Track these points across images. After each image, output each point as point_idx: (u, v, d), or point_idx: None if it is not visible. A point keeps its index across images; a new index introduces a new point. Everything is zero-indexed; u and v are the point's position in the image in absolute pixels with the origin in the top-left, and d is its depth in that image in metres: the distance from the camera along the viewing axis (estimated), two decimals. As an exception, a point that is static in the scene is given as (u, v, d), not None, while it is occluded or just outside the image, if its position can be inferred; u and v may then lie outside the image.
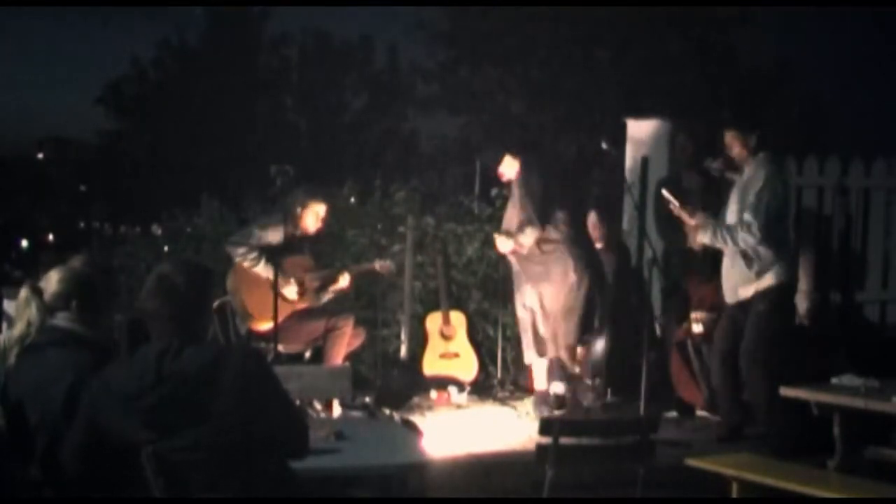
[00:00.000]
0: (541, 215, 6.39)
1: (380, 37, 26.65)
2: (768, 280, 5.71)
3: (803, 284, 7.74)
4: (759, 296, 5.72)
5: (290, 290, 6.32)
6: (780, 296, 5.77)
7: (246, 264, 6.24)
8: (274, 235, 6.28)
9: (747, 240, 5.67)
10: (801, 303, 7.72)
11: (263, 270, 6.19)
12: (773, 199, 5.66)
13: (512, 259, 6.64)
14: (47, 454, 2.98)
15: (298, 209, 6.32)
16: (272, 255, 6.15)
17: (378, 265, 6.70)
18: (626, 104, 13.49)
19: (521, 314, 6.62)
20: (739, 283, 5.80)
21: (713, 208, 6.08)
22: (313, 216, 6.39)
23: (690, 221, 5.98)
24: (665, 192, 6.15)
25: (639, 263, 7.47)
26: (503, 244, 6.55)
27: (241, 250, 6.25)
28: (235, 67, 24.75)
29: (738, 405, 5.98)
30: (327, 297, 6.58)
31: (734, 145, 5.82)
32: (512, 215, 6.60)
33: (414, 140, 24.93)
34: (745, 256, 5.73)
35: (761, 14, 17.98)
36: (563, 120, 17.29)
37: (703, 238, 5.90)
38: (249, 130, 23.59)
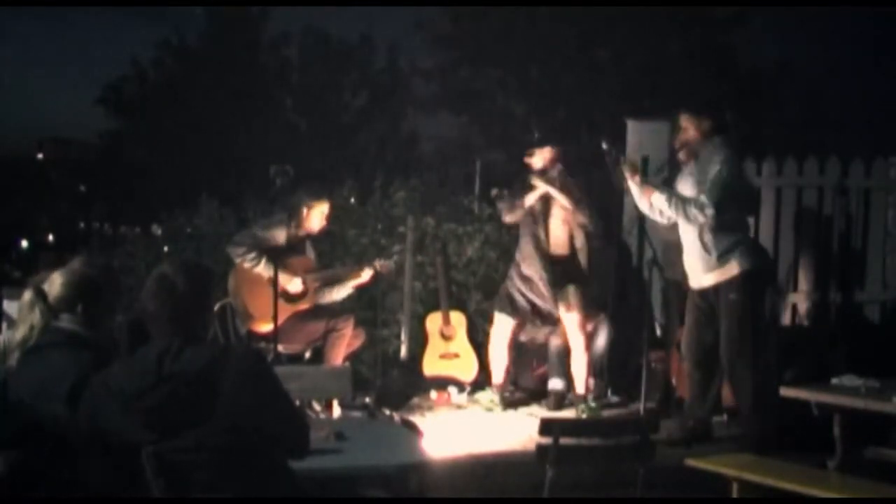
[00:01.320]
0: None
1: (380, 37, 26.58)
2: (733, 268, 5.61)
3: (803, 284, 7.76)
4: (726, 285, 5.63)
5: (295, 284, 6.33)
6: (748, 283, 5.64)
7: (246, 265, 6.24)
8: (275, 237, 6.30)
9: (698, 217, 5.60)
10: (801, 303, 7.73)
11: (264, 270, 6.19)
12: (726, 182, 5.58)
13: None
14: (49, 454, 2.98)
15: (304, 210, 6.34)
16: (273, 255, 6.16)
17: (378, 265, 6.71)
18: (626, 104, 13.50)
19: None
20: (701, 270, 5.73)
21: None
22: (319, 215, 6.42)
23: (630, 178, 5.87)
24: (605, 144, 6.04)
25: (639, 263, 7.47)
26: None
27: (241, 250, 6.26)
28: (235, 68, 24.73)
29: (704, 400, 5.88)
30: (347, 292, 6.60)
31: (688, 129, 5.77)
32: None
33: (414, 140, 24.93)
34: (703, 242, 5.67)
35: (761, 14, 18.02)
36: (563, 120, 17.32)
37: (654, 200, 5.78)
38: (249, 130, 23.56)
